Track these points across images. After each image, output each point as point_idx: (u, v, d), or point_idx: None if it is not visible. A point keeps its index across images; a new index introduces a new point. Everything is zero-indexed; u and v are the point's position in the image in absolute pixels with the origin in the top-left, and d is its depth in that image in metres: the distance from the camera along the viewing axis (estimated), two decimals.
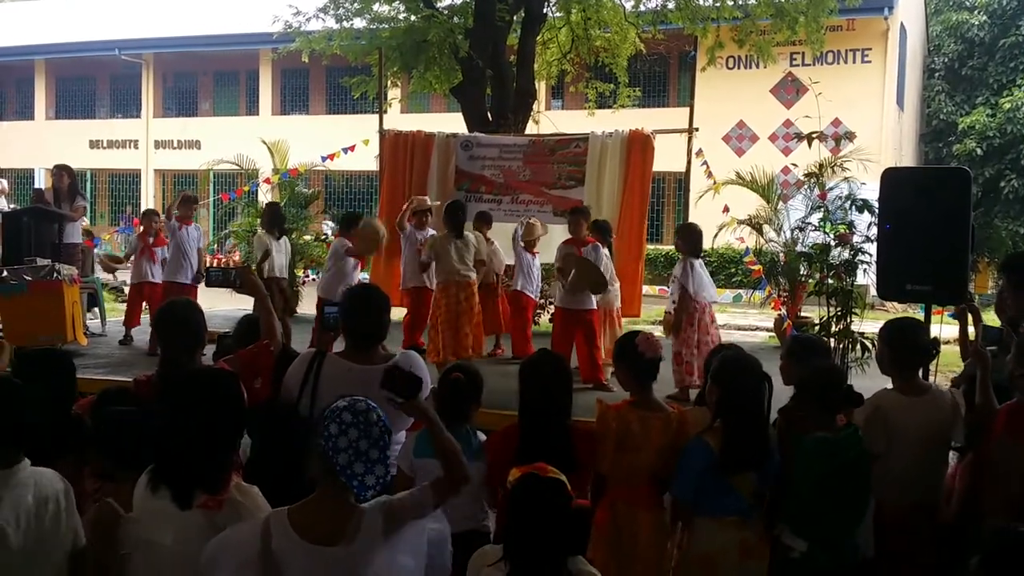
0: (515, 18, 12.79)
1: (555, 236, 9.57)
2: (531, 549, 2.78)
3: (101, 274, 12.21)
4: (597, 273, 8.04)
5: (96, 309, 11.00)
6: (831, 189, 8.64)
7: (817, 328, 8.05)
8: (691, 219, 11.19)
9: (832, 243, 8.12)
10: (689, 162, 10.83)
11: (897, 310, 17.86)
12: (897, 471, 4.09)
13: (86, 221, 12.42)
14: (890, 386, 4.35)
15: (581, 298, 8.02)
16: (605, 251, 8.47)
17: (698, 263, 7.59)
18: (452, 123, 13.43)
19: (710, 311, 7.64)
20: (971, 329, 5.33)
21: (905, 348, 4.33)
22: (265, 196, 14.15)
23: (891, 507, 4.13)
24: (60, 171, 10.40)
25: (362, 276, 10.28)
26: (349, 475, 2.60)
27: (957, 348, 5.45)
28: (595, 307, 8.16)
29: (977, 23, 23.97)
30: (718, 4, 13.14)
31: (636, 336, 4.10)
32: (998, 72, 23.70)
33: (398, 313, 10.50)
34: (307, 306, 12.00)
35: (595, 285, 8.02)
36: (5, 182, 15.70)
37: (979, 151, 22.56)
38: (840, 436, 3.83)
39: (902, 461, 4.11)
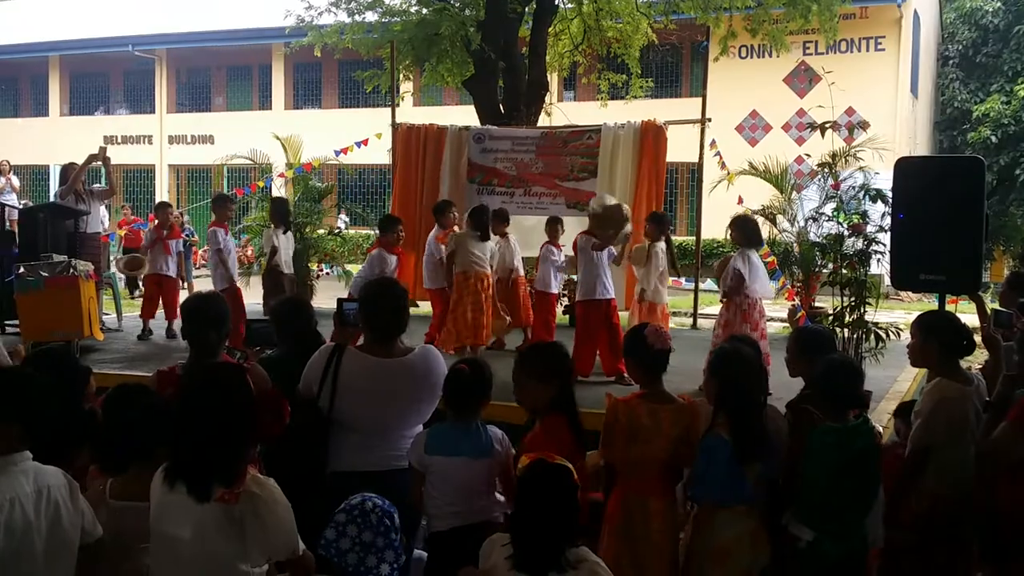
0: (527, 10, 12.77)
1: (570, 228, 9.52)
2: (536, 530, 2.83)
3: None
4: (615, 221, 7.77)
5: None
6: (845, 179, 8.60)
7: (831, 318, 8.02)
8: (704, 209, 11.23)
9: (846, 233, 8.09)
10: (702, 152, 10.81)
11: (912, 299, 17.83)
12: (953, 462, 4.12)
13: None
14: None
15: (597, 289, 7.77)
16: (661, 245, 8.28)
17: (755, 256, 7.42)
18: (465, 116, 13.43)
19: (760, 306, 7.38)
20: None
21: (956, 339, 4.33)
22: (279, 191, 14.17)
23: (930, 498, 4.13)
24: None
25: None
26: (363, 571, 2.56)
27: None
28: (612, 296, 7.91)
29: (991, 10, 23.78)
30: None
31: (645, 328, 4.09)
32: (1012, 59, 23.50)
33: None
34: (321, 300, 12.00)
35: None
36: (16, 179, 15.79)
37: (994, 139, 22.41)
38: (850, 426, 3.84)
39: (959, 452, 4.14)
